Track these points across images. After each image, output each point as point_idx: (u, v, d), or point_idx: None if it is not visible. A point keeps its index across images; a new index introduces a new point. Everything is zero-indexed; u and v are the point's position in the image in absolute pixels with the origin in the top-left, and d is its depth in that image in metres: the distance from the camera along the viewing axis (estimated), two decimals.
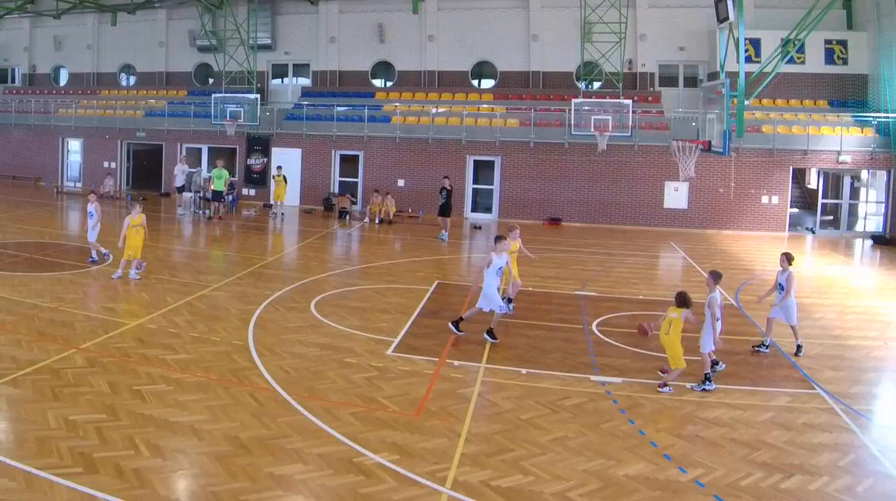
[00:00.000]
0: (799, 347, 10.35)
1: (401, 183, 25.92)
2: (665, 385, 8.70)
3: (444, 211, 20.66)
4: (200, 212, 23.95)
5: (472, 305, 10.70)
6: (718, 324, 8.95)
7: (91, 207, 14.65)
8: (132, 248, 13.34)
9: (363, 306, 12.38)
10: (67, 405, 7.44)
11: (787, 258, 10.48)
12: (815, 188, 25.46)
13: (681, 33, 26.69)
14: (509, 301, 12.03)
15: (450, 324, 10.73)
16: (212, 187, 22.88)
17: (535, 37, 28.21)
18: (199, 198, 24.55)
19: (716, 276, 9.21)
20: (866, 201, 24.91)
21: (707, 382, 8.76)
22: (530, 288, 14.21)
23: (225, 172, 23.10)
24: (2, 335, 9.68)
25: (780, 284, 10.50)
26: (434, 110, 26.63)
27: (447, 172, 23.67)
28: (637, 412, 8.01)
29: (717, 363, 9.25)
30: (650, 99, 26.62)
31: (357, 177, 26.86)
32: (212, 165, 24.92)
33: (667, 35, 26.85)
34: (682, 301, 8.67)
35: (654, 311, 12.52)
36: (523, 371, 9.26)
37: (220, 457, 6.48)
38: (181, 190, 24.78)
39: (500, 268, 10.57)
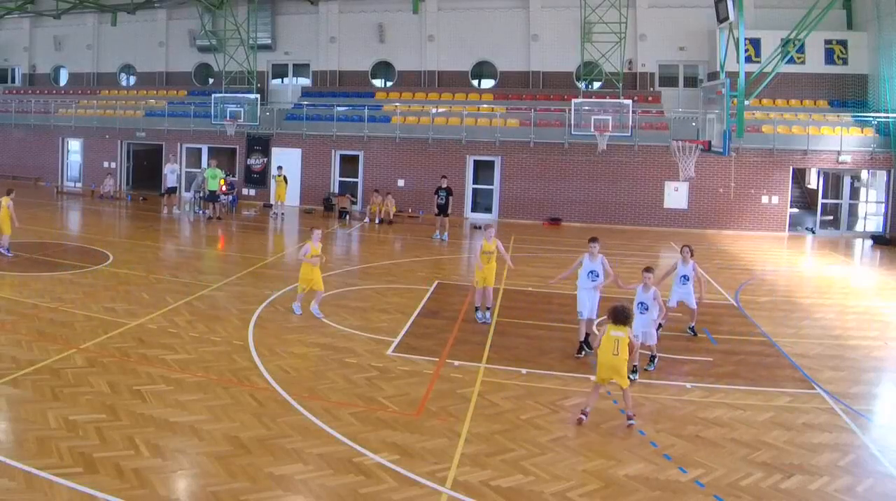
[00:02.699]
0: (692, 328, 11.20)
1: (401, 183, 25.92)
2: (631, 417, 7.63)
3: (443, 211, 20.68)
4: (200, 212, 23.94)
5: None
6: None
7: None
8: (308, 281, 11.39)
9: (363, 306, 12.38)
10: (67, 405, 7.44)
11: (690, 251, 11.18)
12: (815, 188, 25.46)
13: (681, 33, 26.68)
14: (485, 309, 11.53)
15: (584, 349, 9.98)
16: (206, 187, 22.83)
17: (535, 37, 28.21)
18: (199, 198, 24.54)
19: (652, 270, 9.53)
20: (866, 201, 24.90)
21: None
22: (530, 288, 14.22)
23: (218, 172, 23.05)
24: (2, 335, 9.68)
25: (683, 276, 11.04)
26: (434, 110, 26.62)
27: (447, 172, 23.70)
28: (637, 412, 7.99)
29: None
30: (650, 99, 26.61)
31: (357, 177, 26.85)
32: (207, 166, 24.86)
33: (667, 35, 26.84)
34: (625, 318, 7.63)
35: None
36: (523, 371, 9.26)
37: (220, 457, 6.48)
38: (173, 191, 24.79)
39: (591, 271, 10.09)
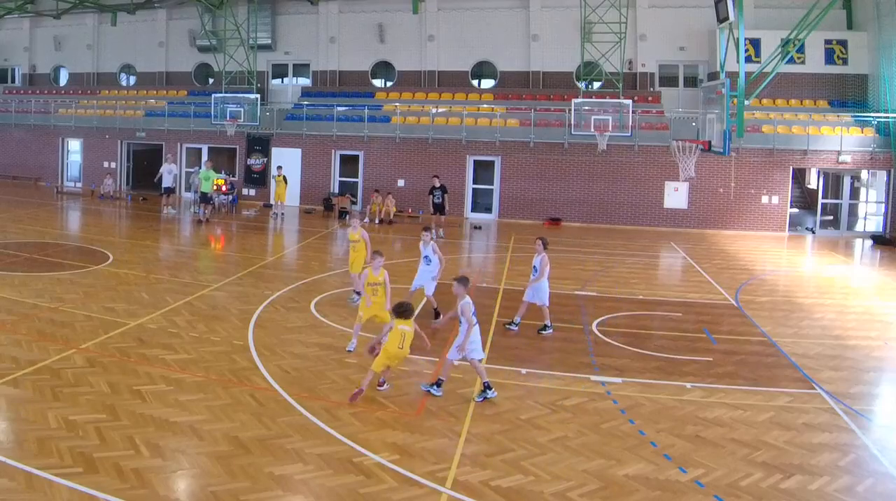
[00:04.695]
0: (546, 327, 11.01)
1: (401, 183, 25.93)
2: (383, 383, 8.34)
3: (440, 210, 20.77)
4: (200, 212, 23.89)
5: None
6: (476, 328, 8.25)
7: None
8: (368, 312, 9.76)
9: None
10: (67, 405, 7.44)
11: (543, 242, 11.06)
12: (815, 188, 25.47)
13: (681, 33, 26.68)
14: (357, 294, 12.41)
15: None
16: (199, 189, 22.54)
17: (535, 37, 28.21)
18: (198, 197, 24.48)
19: (463, 282, 8.42)
20: (866, 201, 24.91)
21: (489, 390, 8.17)
22: None
23: (212, 173, 22.77)
24: (2, 335, 9.68)
25: (534, 267, 11.08)
26: (434, 110, 26.62)
27: (447, 172, 23.71)
28: (637, 412, 8.00)
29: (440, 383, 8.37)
30: (650, 99, 26.61)
31: (357, 177, 26.86)
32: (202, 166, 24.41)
33: (667, 35, 26.84)
34: (409, 312, 7.97)
35: (653, 311, 12.53)
36: (523, 371, 9.26)
37: (220, 457, 6.48)
38: (170, 191, 24.72)
39: (425, 257, 11.52)
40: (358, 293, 12.17)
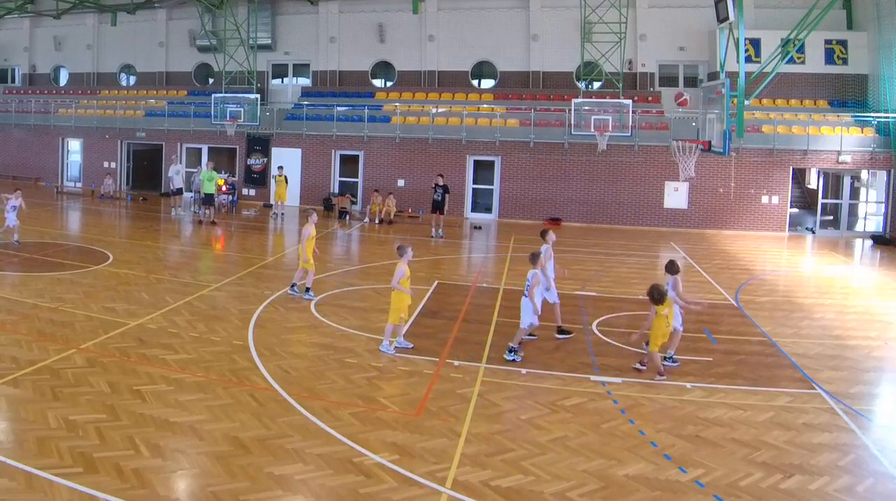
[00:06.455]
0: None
1: (401, 183, 25.93)
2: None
3: (438, 207, 20.85)
4: (201, 212, 23.89)
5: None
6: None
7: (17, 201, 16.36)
8: (402, 310, 9.87)
9: (363, 306, 12.38)
10: (67, 405, 7.44)
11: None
12: (815, 188, 25.47)
13: (681, 33, 26.69)
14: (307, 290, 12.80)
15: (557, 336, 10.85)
16: (202, 190, 22.36)
17: (535, 37, 28.21)
18: (199, 198, 24.48)
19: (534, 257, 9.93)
20: (866, 201, 24.91)
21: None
22: None
23: (215, 174, 22.66)
24: (2, 335, 9.68)
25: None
26: (434, 110, 26.62)
27: (447, 172, 23.73)
28: (637, 412, 8.01)
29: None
30: (650, 99, 26.62)
31: (357, 177, 26.87)
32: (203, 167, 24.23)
33: (667, 35, 26.84)
34: (663, 297, 9.13)
35: None
36: (523, 371, 9.26)
37: (220, 457, 6.48)
38: (180, 191, 24.64)
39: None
40: (308, 290, 12.81)
